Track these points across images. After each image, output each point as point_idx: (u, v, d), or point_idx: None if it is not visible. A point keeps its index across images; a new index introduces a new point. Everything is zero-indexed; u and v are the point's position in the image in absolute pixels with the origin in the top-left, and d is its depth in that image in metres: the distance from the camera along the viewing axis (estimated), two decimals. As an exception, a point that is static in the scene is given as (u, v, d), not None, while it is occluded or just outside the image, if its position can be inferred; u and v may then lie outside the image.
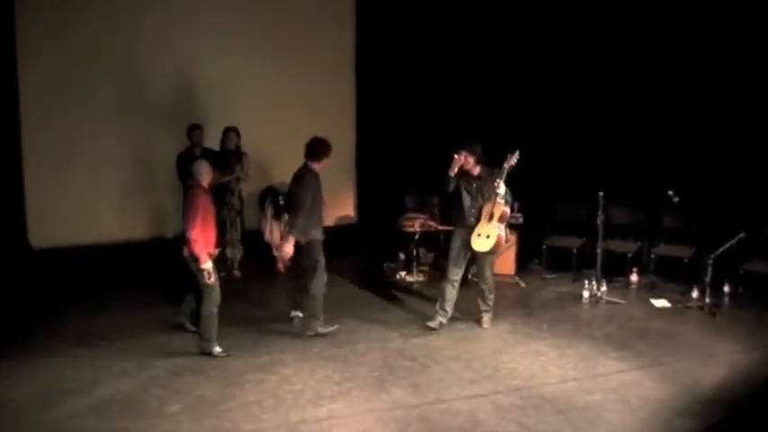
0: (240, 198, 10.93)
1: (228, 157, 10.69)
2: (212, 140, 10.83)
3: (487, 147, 10.92)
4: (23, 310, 9.30)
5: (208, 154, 10.60)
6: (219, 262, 10.70)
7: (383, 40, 12.48)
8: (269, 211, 11.17)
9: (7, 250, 10.22)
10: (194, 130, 10.62)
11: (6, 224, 10.39)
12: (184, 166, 10.40)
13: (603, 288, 9.89)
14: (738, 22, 10.14)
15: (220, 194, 10.72)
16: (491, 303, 8.95)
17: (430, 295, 9.99)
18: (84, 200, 10.74)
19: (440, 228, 11.04)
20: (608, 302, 9.78)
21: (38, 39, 10.50)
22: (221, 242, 10.77)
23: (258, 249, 11.14)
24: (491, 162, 8.93)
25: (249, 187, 11.17)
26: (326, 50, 12.54)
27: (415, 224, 10.89)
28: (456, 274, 8.83)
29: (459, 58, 12.22)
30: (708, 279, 9.45)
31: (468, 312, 9.21)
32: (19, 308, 9.33)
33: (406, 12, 12.35)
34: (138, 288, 10.00)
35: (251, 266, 11.02)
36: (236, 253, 10.88)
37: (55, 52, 10.67)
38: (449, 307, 8.83)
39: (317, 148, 8.56)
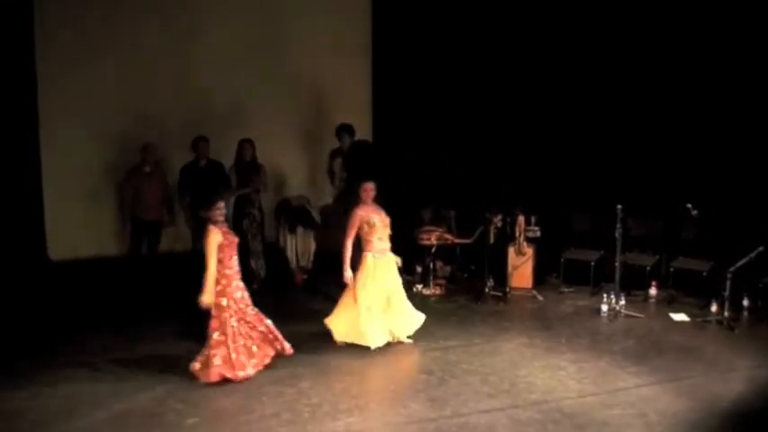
0: (260, 209, 10.97)
1: (245, 170, 10.74)
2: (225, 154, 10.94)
3: (508, 161, 11.00)
4: (42, 322, 9.35)
5: (213, 166, 10.66)
6: (245, 274, 10.83)
7: (400, 56, 12.54)
8: (285, 226, 11.22)
9: (26, 262, 10.30)
10: (199, 142, 10.59)
11: (25, 237, 10.48)
12: (187, 179, 10.48)
13: (622, 302, 9.84)
14: (760, 33, 10.11)
15: (241, 205, 10.77)
16: None
17: (446, 308, 10.01)
18: (102, 213, 10.81)
19: (456, 241, 11.04)
20: (626, 316, 9.73)
21: (56, 58, 10.69)
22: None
23: (275, 262, 11.17)
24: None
25: (266, 199, 11.21)
26: (342, 64, 12.64)
27: (432, 237, 10.88)
28: None
29: (477, 73, 12.24)
30: (727, 293, 9.38)
31: (484, 326, 9.22)
32: (37, 320, 9.39)
33: (423, 28, 12.39)
34: (156, 301, 9.99)
35: (269, 279, 11.04)
36: (259, 264, 10.91)
37: (74, 69, 10.86)
38: None
39: None
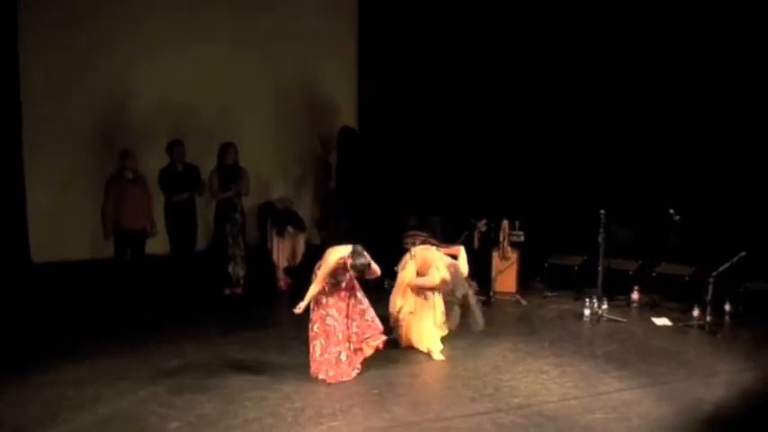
0: (242, 213, 10.96)
1: (227, 174, 10.73)
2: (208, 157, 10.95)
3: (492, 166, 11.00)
4: (24, 325, 9.31)
5: (191, 170, 10.66)
6: (223, 279, 10.82)
7: (385, 57, 12.53)
8: (273, 230, 11.21)
9: (9, 265, 10.25)
10: (176, 146, 10.61)
11: (8, 239, 10.43)
12: (168, 182, 10.48)
13: (605, 306, 9.89)
14: (739, 38, 10.19)
15: (222, 210, 10.77)
16: None
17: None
18: (85, 214, 10.76)
19: (440, 246, 11.03)
20: (609, 321, 9.78)
21: (39, 61, 10.64)
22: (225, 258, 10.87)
23: (260, 266, 11.16)
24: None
25: (246, 202, 11.19)
26: (326, 65, 12.61)
27: (417, 242, 10.86)
28: None
29: (462, 77, 12.27)
30: (709, 297, 9.44)
31: (467, 330, 9.24)
32: (20, 323, 9.35)
33: (409, 32, 12.39)
34: (139, 306, 9.98)
35: (253, 283, 11.02)
36: (238, 270, 10.89)
37: (56, 73, 10.81)
38: None
39: None
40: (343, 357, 7.72)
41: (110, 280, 10.22)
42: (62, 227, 10.96)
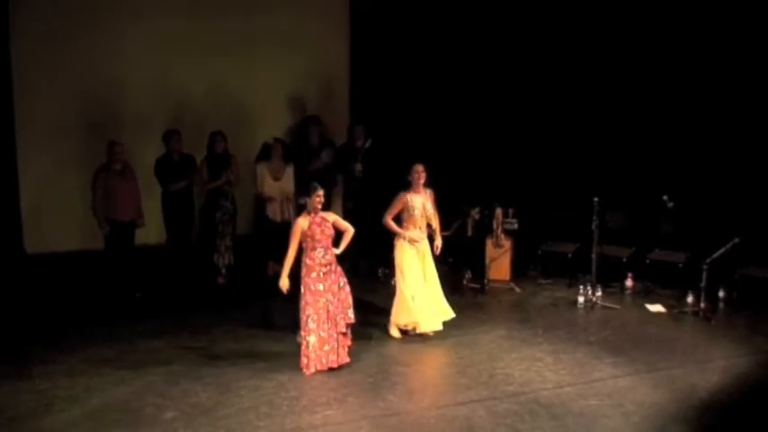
0: (233, 202, 10.90)
1: (217, 163, 10.68)
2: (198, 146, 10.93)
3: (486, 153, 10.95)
4: (18, 316, 9.29)
5: (187, 159, 10.62)
6: (214, 268, 10.79)
7: (379, 42, 12.44)
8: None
9: (2, 255, 10.23)
10: (172, 135, 10.54)
11: (1, 230, 10.40)
12: (165, 172, 10.43)
13: (599, 293, 9.90)
14: (732, 27, 10.19)
15: (214, 198, 10.72)
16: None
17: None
18: (78, 205, 10.72)
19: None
20: (603, 308, 9.79)
21: (31, 52, 10.59)
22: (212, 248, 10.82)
23: (250, 255, 11.12)
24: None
25: (239, 191, 11.15)
26: (319, 51, 12.54)
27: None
28: None
29: (457, 64, 12.23)
30: (703, 284, 9.43)
31: (462, 318, 9.23)
32: (14, 314, 9.32)
33: (402, 18, 12.34)
34: (132, 295, 9.99)
35: (243, 273, 10.99)
36: (221, 260, 10.81)
37: (48, 63, 10.75)
38: None
39: None
40: (338, 342, 7.74)
41: (103, 271, 10.17)
42: (55, 218, 10.92)
